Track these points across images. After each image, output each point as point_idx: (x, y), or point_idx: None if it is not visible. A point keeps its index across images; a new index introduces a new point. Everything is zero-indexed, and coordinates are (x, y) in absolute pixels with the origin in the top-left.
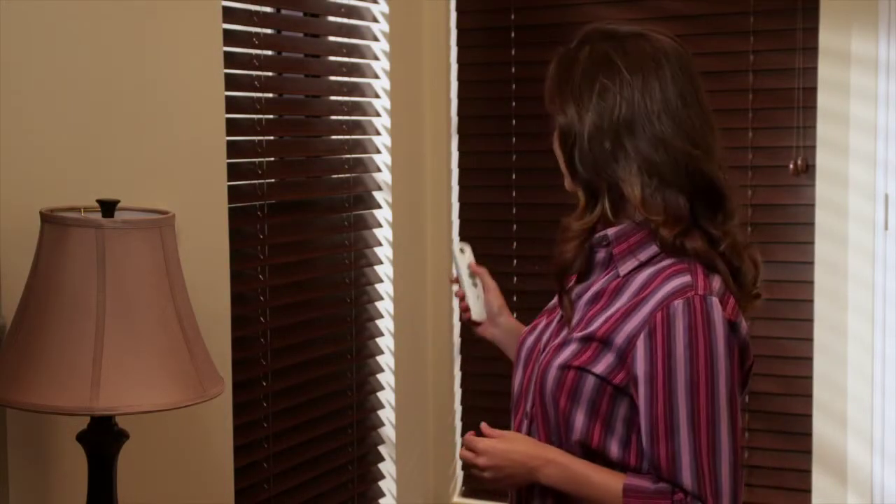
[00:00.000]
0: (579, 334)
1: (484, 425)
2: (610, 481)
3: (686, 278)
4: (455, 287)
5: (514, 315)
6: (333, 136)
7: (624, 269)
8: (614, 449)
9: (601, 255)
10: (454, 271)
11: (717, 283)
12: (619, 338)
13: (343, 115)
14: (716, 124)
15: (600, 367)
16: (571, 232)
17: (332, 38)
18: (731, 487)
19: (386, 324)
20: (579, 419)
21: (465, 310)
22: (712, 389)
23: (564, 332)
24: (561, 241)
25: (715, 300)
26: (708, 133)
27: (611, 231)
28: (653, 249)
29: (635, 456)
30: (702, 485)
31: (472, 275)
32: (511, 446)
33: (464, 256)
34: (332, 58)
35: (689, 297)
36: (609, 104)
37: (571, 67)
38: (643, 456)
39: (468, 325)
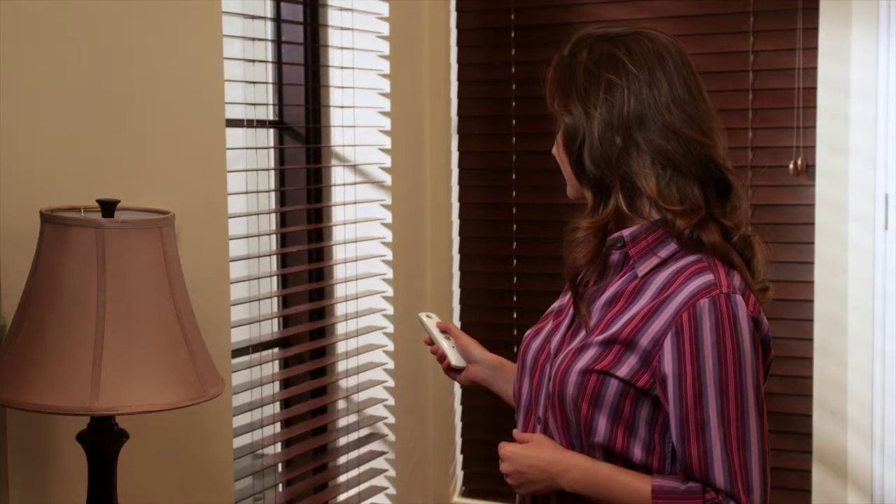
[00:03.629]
0: (599, 337)
1: (515, 431)
2: (636, 483)
3: (709, 276)
4: (431, 346)
5: (514, 315)
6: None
7: (642, 270)
8: (637, 452)
9: (615, 256)
10: (426, 335)
11: (737, 279)
12: (644, 339)
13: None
14: (717, 115)
15: (623, 371)
16: (581, 231)
17: (332, 38)
18: (761, 482)
19: (386, 324)
20: (602, 424)
21: (442, 359)
22: (740, 386)
23: (581, 336)
24: (571, 243)
25: (739, 298)
26: (713, 123)
27: (626, 232)
28: (672, 247)
29: (658, 459)
30: (734, 482)
31: (442, 332)
32: (533, 452)
33: (431, 320)
34: (332, 57)
35: (714, 296)
36: (618, 99)
37: (572, 68)
38: (666, 459)
39: (450, 375)
